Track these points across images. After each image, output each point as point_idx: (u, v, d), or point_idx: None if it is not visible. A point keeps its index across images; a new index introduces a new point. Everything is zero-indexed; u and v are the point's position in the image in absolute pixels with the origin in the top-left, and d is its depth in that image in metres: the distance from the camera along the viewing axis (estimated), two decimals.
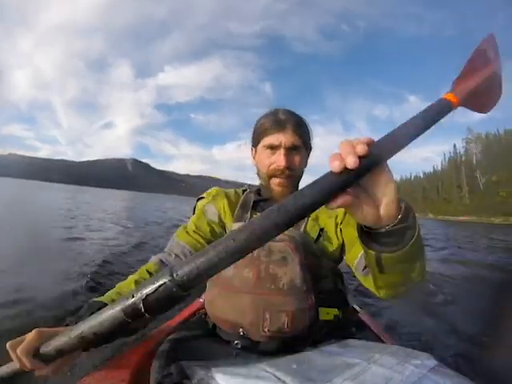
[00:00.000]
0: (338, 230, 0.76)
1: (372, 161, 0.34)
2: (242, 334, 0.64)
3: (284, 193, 0.78)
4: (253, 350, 0.63)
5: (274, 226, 0.34)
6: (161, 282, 0.37)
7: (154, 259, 0.75)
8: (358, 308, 1.05)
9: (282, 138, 0.75)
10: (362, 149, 0.33)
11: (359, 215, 0.38)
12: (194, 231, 0.79)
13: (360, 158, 0.32)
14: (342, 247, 0.76)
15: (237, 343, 0.64)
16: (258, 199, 0.84)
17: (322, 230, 0.76)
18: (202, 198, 0.87)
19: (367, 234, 0.42)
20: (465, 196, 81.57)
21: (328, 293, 0.72)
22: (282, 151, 0.75)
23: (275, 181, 0.77)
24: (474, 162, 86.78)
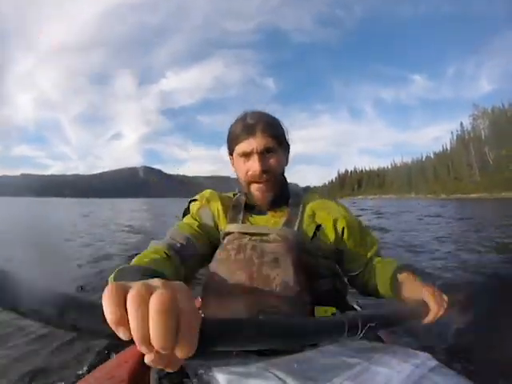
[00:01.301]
0: (335, 228, 0.78)
1: None
2: None
3: (265, 197, 0.77)
4: (252, 350, 0.62)
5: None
6: None
7: (160, 243, 0.71)
8: (357, 307, 1.05)
9: (254, 143, 0.74)
10: None
11: None
12: (193, 227, 0.78)
13: None
14: (338, 245, 0.78)
15: None
16: (250, 203, 0.82)
17: (318, 226, 0.76)
18: (195, 200, 0.86)
19: None
20: (475, 173, 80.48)
21: (325, 291, 0.72)
22: (255, 157, 0.74)
23: (254, 186, 0.77)
24: (483, 137, 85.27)
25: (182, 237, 0.74)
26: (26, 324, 2.16)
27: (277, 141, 0.76)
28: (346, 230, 0.78)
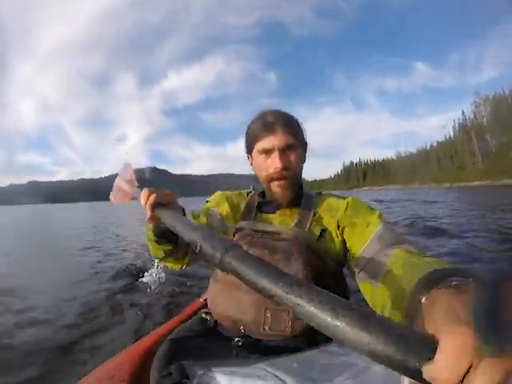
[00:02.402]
0: (337, 225, 0.75)
1: None
2: (242, 331, 0.64)
3: (285, 195, 0.77)
4: (253, 349, 0.63)
5: (274, 282, 0.31)
6: None
7: None
8: None
9: (274, 141, 0.74)
10: None
11: None
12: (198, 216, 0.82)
13: None
14: (343, 247, 0.74)
15: (237, 340, 0.65)
16: (263, 201, 0.84)
17: (324, 230, 0.75)
18: (208, 201, 0.89)
19: None
20: (478, 161, 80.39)
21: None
22: (276, 154, 0.74)
23: (275, 184, 0.76)
24: (485, 124, 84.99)
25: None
26: (26, 325, 2.18)
27: (296, 138, 0.77)
28: (347, 228, 0.74)
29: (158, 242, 0.68)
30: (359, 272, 0.63)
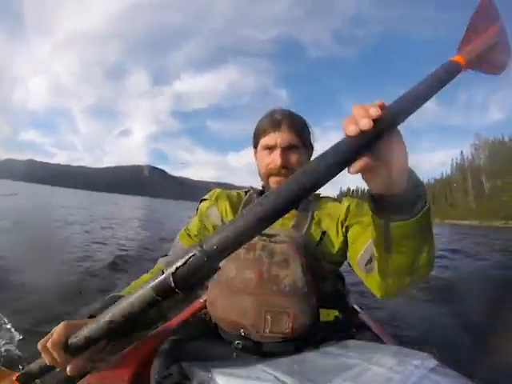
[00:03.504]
0: (340, 226, 0.76)
1: (386, 123, 0.34)
2: (242, 334, 0.64)
3: None
4: (253, 351, 0.63)
5: (302, 188, 0.34)
6: (191, 254, 0.38)
7: (162, 261, 0.77)
8: (358, 308, 1.05)
9: (278, 138, 0.75)
10: (375, 111, 0.32)
11: (373, 181, 0.39)
12: (195, 235, 0.80)
13: (374, 120, 0.32)
14: (343, 249, 0.75)
15: (238, 343, 0.64)
16: None
17: (324, 233, 0.75)
18: (205, 199, 0.87)
19: (378, 207, 0.43)
20: (471, 201, 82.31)
21: (328, 294, 0.72)
22: (278, 151, 0.75)
23: (273, 180, 0.77)
24: (482, 165, 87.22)
25: (183, 251, 0.76)
26: (26, 325, 2.16)
27: (301, 139, 0.77)
28: (349, 215, 0.76)
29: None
30: (366, 265, 0.63)
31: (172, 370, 0.59)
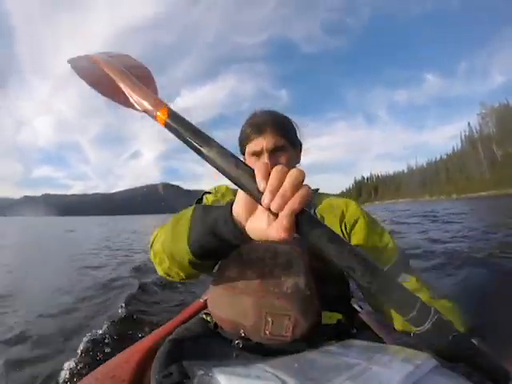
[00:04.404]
0: (344, 226, 0.74)
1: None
2: (242, 335, 0.64)
3: None
4: (253, 351, 0.63)
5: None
6: None
7: None
8: (358, 308, 1.05)
9: (263, 142, 0.73)
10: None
11: None
12: None
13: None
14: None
15: (238, 343, 0.64)
16: None
17: None
18: (209, 193, 0.85)
19: None
20: (485, 171, 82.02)
21: (332, 297, 0.71)
22: (265, 155, 0.73)
23: None
24: (492, 133, 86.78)
25: None
26: (27, 327, 2.17)
27: (287, 139, 0.76)
28: (352, 230, 0.74)
29: (194, 265, 0.58)
30: None
31: (172, 369, 0.59)
